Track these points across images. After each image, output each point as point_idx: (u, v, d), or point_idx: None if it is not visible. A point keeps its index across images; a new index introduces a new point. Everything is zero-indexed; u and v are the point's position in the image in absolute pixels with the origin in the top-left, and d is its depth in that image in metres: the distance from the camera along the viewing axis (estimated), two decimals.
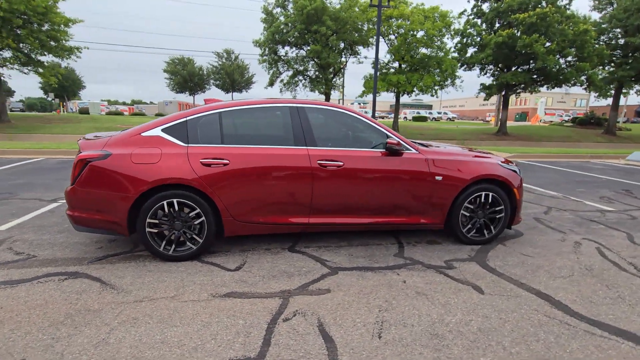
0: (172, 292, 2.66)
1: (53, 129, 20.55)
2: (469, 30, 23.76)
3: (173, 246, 3.16)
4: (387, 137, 3.52)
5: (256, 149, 3.27)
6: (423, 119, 53.81)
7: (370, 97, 23.59)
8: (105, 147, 3.09)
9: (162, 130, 3.19)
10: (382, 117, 50.27)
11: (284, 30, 22.00)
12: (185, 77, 47.00)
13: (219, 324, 2.28)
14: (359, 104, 72.97)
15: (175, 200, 3.09)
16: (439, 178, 3.57)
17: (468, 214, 3.73)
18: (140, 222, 3.06)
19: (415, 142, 3.98)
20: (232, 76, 46.10)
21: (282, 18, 22.52)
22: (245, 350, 2.05)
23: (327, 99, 26.12)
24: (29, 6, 17.44)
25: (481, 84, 25.11)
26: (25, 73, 20.99)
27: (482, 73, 25.44)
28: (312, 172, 3.30)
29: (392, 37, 22.94)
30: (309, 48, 22.06)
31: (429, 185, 3.55)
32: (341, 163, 3.35)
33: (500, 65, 23.88)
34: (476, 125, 42.24)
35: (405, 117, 57.15)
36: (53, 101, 57.93)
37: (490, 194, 3.70)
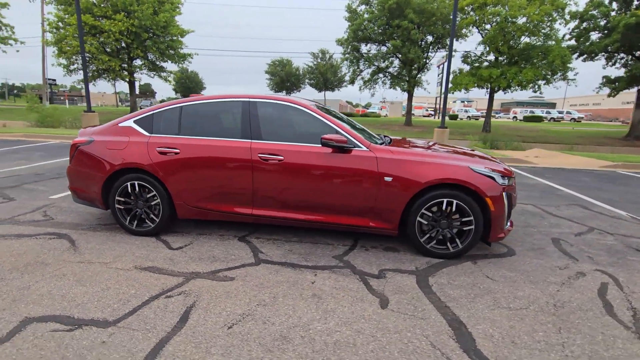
0: (109, 259, 3.12)
1: None
2: (592, 12, 19.74)
3: (135, 222, 3.66)
4: (335, 132, 3.37)
5: (205, 140, 3.52)
6: (537, 119, 46.66)
7: (457, 93, 21.72)
8: (92, 134, 3.75)
9: (134, 121, 3.70)
10: (476, 117, 45.27)
11: (366, 27, 21.82)
12: (283, 77, 50.56)
13: (114, 290, 2.61)
14: (463, 101, 67.27)
15: (136, 183, 3.57)
16: (388, 179, 3.25)
17: (427, 222, 3.30)
18: (111, 199, 3.63)
19: (376, 139, 3.70)
20: (325, 75, 47.66)
21: (365, 15, 22.37)
22: (110, 314, 2.32)
23: (410, 96, 24.99)
24: (153, 21, 21.17)
25: (604, 77, 20.64)
26: (151, 77, 25.65)
27: (609, 63, 20.89)
28: (252, 165, 3.39)
29: (488, 26, 20.61)
30: (390, 44, 21.43)
31: (376, 187, 3.27)
32: (282, 157, 3.35)
33: (636, 52, 19.23)
34: (605, 127, 34.87)
35: (515, 117, 50.44)
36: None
37: (455, 201, 3.20)
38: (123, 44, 21.40)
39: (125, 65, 22.84)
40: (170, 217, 3.66)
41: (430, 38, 23.01)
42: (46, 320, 2.24)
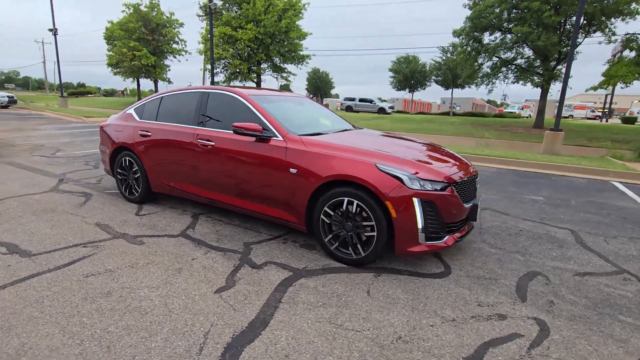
0: (89, 214, 4.01)
1: None
2: None
3: (127, 191, 4.52)
4: (259, 121, 3.40)
5: (168, 125, 4.06)
6: None
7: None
8: (111, 119, 4.79)
9: (134, 109, 4.55)
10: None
11: (489, 13, 19.16)
12: (407, 74, 48.95)
13: (61, 235, 3.40)
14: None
15: (127, 159, 4.41)
16: (293, 171, 3.11)
17: (328, 222, 3.02)
18: (114, 170, 4.60)
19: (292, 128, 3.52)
20: (455, 71, 43.88)
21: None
22: (37, 249, 3.07)
23: (545, 92, 20.74)
24: (276, 28, 23.75)
25: None
26: (275, 78, 28.84)
27: None
28: (194, 149, 3.76)
29: None
30: (515, 32, 18.26)
31: (282, 177, 3.17)
32: (213, 143, 3.60)
33: None
34: None
35: None
36: (311, 97, 74.99)
37: (355, 202, 2.83)
38: (250, 50, 24.87)
39: (254, 67, 26.41)
40: (149, 189, 4.37)
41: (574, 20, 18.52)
42: (1, 244, 3.15)
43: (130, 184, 4.49)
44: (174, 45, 33.81)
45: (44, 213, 3.99)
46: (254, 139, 3.38)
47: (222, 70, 26.91)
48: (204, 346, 1.94)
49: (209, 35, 24.58)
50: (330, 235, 3.04)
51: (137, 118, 4.44)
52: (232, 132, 3.53)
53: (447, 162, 3.19)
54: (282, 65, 27.63)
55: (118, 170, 4.56)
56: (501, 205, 4.90)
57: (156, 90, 35.62)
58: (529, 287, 2.74)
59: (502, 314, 2.36)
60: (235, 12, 25.01)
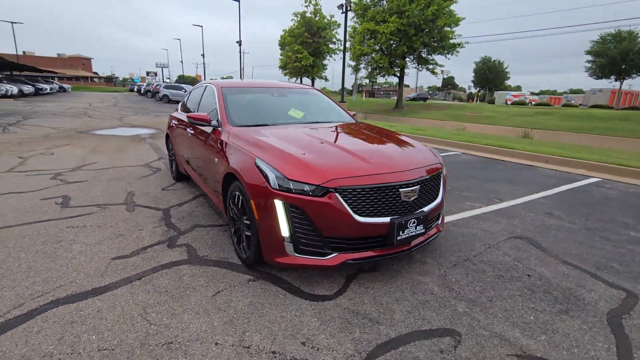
0: (136, 183, 5.08)
1: (425, 114, 25.77)
2: None
3: (171, 170, 5.44)
4: (216, 112, 3.51)
5: (182, 114, 4.65)
6: None
7: None
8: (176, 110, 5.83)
9: (180, 104, 5.39)
10: None
11: None
12: (616, 56, 37.07)
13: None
14: None
15: (169, 142, 5.33)
16: (216, 160, 3.11)
17: (232, 215, 2.87)
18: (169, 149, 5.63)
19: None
20: None
21: None
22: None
23: None
24: (420, 17, 22.48)
25: None
26: (419, 70, 27.35)
27: None
28: (186, 135, 4.21)
29: None
30: None
31: (213, 166, 3.21)
32: (192, 131, 3.95)
33: None
34: None
35: None
36: (477, 91, 66.96)
37: (241, 197, 2.61)
38: (392, 43, 24.29)
39: (397, 61, 25.80)
40: (178, 172, 5.13)
41: None
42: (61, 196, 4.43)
43: (172, 164, 5.40)
44: (331, 46, 36.62)
45: (114, 180, 5.32)
46: (210, 128, 3.53)
47: (365, 66, 27.49)
48: None
49: (354, 33, 25.51)
50: (234, 229, 2.91)
51: (179, 109, 5.28)
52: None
53: (362, 164, 2.47)
54: (428, 56, 25.96)
55: (167, 152, 5.57)
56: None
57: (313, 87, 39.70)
58: None
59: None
60: (381, 6, 24.95)
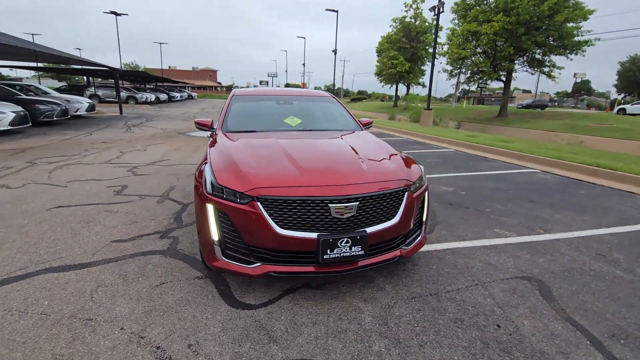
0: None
1: (533, 124, 22.47)
2: None
3: None
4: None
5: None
6: None
7: None
8: None
9: None
10: None
11: None
12: None
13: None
14: None
15: None
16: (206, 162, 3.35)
17: None
18: None
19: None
20: None
21: None
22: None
23: None
24: (534, 13, 19.69)
25: None
26: (531, 73, 23.91)
27: None
28: None
29: None
30: None
31: None
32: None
33: None
34: None
35: None
36: (621, 97, 54.75)
37: None
38: (495, 45, 21.69)
39: (503, 64, 23.02)
40: None
41: None
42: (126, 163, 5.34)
43: None
44: (430, 50, 34.83)
45: (170, 175, 6.16)
46: (210, 132, 3.84)
47: (465, 71, 25.30)
48: None
49: (452, 36, 23.88)
50: None
51: None
52: None
53: (297, 174, 2.36)
54: (543, 58, 22.51)
55: None
56: None
57: (407, 95, 38.32)
58: None
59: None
60: (486, 5, 22.65)
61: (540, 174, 6.82)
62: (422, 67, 36.66)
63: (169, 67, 79.15)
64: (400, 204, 2.48)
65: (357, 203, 2.28)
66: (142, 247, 3.21)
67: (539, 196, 5.20)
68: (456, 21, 24.44)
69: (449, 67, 25.18)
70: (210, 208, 2.35)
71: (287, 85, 77.23)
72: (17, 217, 3.84)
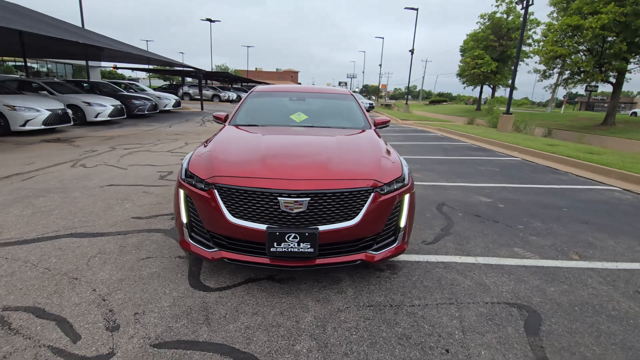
0: None
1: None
2: None
3: None
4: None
5: None
6: None
7: None
8: None
9: None
10: None
11: None
12: None
13: None
14: None
15: None
16: None
17: None
18: None
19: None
20: None
21: None
22: None
23: None
24: None
25: None
26: None
27: None
28: None
29: None
30: None
31: None
32: None
33: None
34: None
35: None
36: None
37: None
38: (603, 40, 18.36)
39: (614, 62, 19.53)
40: None
41: None
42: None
43: None
44: (524, 48, 31.32)
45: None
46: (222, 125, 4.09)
47: (563, 71, 22.11)
48: None
49: (548, 32, 21.18)
50: None
51: None
52: None
53: (258, 166, 2.41)
54: None
55: None
56: None
57: (493, 98, 35.01)
58: None
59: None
60: None
61: (618, 193, 5.68)
62: (513, 67, 33.09)
63: (256, 68, 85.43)
64: (362, 205, 2.35)
65: (308, 199, 2.23)
66: (152, 225, 3.59)
67: (599, 218, 4.36)
68: (555, 14, 21.49)
69: (542, 67, 22.26)
70: (181, 193, 2.54)
71: (365, 87, 76.77)
72: (76, 190, 4.61)
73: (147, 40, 55.11)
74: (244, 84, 44.64)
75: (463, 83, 36.50)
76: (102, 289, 2.41)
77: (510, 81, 34.00)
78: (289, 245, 2.23)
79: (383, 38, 41.20)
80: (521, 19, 30.51)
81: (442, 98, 62.31)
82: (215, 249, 2.42)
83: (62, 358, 1.78)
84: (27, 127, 8.52)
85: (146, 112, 14.00)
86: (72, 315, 2.11)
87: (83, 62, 27.78)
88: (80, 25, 16.12)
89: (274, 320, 2.15)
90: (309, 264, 2.33)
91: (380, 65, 42.20)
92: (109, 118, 11.50)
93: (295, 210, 2.24)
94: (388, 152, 2.90)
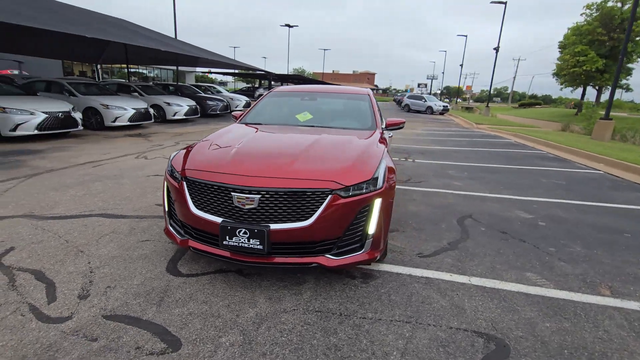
0: None
1: None
2: None
3: None
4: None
5: None
6: None
7: None
8: None
9: None
10: None
11: None
12: None
13: None
14: None
15: None
16: None
17: None
18: None
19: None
20: None
21: None
22: None
23: None
24: None
25: None
26: None
27: None
28: None
29: None
30: None
31: None
32: None
33: None
34: None
35: None
36: None
37: None
38: None
39: None
40: None
41: None
42: None
43: None
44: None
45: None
46: None
47: None
48: None
49: None
50: None
51: None
52: None
53: (226, 162, 2.50)
54: None
55: None
56: None
57: (598, 101, 29.99)
58: None
59: None
60: None
61: None
62: (628, 65, 27.95)
63: (333, 71, 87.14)
64: (318, 207, 2.28)
65: (259, 196, 2.25)
66: None
67: None
68: None
69: None
70: (165, 183, 2.77)
71: (446, 89, 72.63)
72: (127, 178, 5.32)
73: (234, 47, 60.37)
74: None
75: (561, 84, 31.99)
76: (95, 262, 2.77)
77: (623, 81, 28.82)
78: (240, 240, 2.28)
79: (466, 36, 38.36)
80: None
81: (535, 101, 55.26)
82: (186, 237, 2.59)
83: (33, 314, 2.10)
84: (117, 123, 10.04)
85: (218, 112, 15.37)
86: (60, 281, 2.47)
87: (189, 69, 31.85)
88: (174, 36, 18.40)
89: (217, 311, 2.22)
90: (262, 260, 2.35)
91: (461, 65, 39.23)
92: (184, 117, 12.93)
93: (247, 207, 2.28)
94: (369, 154, 2.75)
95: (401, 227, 3.78)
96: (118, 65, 33.59)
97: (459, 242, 3.47)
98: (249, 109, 4.24)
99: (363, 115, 3.87)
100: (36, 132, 7.69)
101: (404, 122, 3.92)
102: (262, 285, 2.54)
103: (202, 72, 45.25)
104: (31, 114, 7.63)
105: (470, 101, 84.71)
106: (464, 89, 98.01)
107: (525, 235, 3.72)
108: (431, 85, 78.45)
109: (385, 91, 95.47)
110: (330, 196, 2.29)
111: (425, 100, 28.38)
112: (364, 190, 2.40)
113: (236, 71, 29.47)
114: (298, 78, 37.22)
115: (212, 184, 2.36)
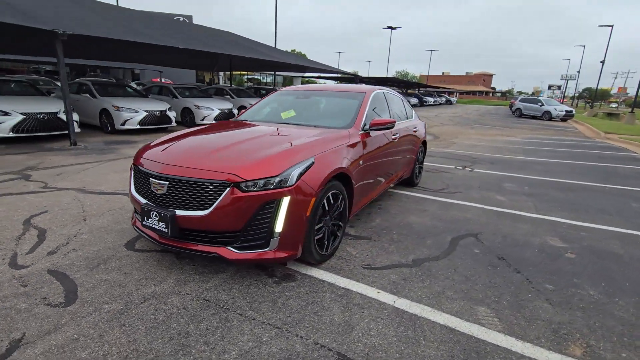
0: None
1: None
2: None
3: None
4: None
5: None
6: None
7: None
8: None
9: None
10: None
11: None
12: None
13: None
14: None
15: None
16: None
17: None
18: None
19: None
20: None
21: None
22: None
23: None
24: None
25: None
26: None
27: None
28: None
29: None
30: None
31: None
32: None
33: None
34: None
35: None
36: None
37: None
38: None
39: None
40: None
41: None
42: None
43: None
44: None
45: None
46: None
47: None
48: None
49: None
50: None
51: None
52: None
53: (165, 152, 2.72)
54: None
55: None
56: None
57: None
58: None
59: None
60: None
61: None
62: None
63: (442, 73, 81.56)
64: (216, 198, 2.33)
65: (167, 183, 2.43)
66: None
67: None
68: None
69: None
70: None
71: (587, 90, 60.75)
72: None
73: (339, 52, 62.38)
74: (422, 89, 43.83)
75: None
76: (84, 229, 3.37)
77: None
78: (152, 221, 2.50)
79: (612, 26, 30.84)
80: None
81: None
82: (137, 217, 2.94)
83: (9, 259, 2.72)
84: (204, 121, 11.61)
85: None
86: (49, 239, 3.11)
87: (292, 74, 34.57)
88: (274, 44, 20.19)
89: (126, 282, 2.48)
90: (170, 243, 2.52)
91: (602, 62, 31.61)
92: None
93: (159, 192, 2.48)
94: (297, 152, 2.64)
95: (377, 236, 3.46)
96: (237, 73, 38.49)
97: (428, 260, 3.00)
98: (251, 106, 4.46)
99: (345, 115, 3.68)
100: (138, 126, 9.52)
101: (393, 122, 3.57)
102: (183, 269, 2.71)
103: (310, 77, 48.41)
104: (135, 112, 9.47)
105: (620, 105, 68.89)
106: (616, 90, 79.95)
107: (528, 265, 2.98)
108: (565, 87, 66.55)
109: (504, 94, 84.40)
110: (229, 189, 2.32)
111: (542, 104, 24.23)
112: (269, 187, 2.34)
113: (331, 75, 30.55)
114: (393, 81, 36.29)
115: (141, 170, 2.65)
